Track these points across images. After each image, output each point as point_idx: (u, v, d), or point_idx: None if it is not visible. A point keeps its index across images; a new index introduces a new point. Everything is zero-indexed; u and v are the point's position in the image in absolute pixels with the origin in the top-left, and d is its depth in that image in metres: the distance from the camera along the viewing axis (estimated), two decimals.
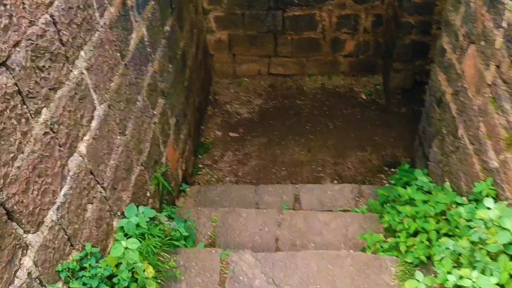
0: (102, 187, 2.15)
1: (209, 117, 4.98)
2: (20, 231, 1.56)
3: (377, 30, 4.93)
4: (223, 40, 5.16)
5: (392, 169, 4.24)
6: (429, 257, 2.49)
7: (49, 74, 1.72)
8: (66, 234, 1.84)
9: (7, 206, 1.48)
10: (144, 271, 2.09)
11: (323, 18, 4.87)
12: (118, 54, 2.42)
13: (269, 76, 5.45)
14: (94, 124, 2.09)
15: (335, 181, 4.15)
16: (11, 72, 1.50)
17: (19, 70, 1.54)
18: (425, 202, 2.61)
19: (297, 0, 4.75)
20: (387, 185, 3.58)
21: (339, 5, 4.76)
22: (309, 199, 3.56)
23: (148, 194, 2.82)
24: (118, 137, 2.38)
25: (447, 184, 2.76)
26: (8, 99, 1.48)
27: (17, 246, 1.54)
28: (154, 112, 3.01)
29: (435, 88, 3.32)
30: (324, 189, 3.65)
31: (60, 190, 1.81)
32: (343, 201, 3.52)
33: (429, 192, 3.05)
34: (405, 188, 3.44)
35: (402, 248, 2.56)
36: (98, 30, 2.17)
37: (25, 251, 1.58)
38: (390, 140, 4.58)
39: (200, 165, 4.42)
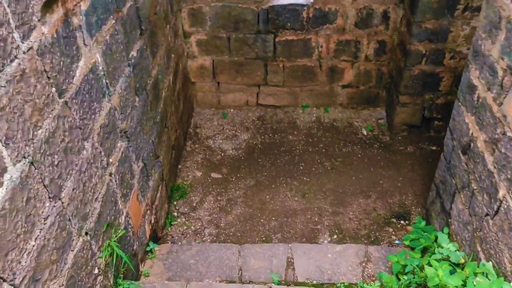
0: (12, 286, 1.49)
1: (188, 154, 4.35)
2: None
3: (381, 59, 4.41)
4: (206, 67, 4.59)
5: (402, 221, 3.64)
6: None
7: None
8: None
9: None
10: None
11: (320, 43, 4.34)
12: (53, 89, 1.80)
13: (257, 107, 4.87)
14: (0, 193, 1.45)
15: (335, 236, 3.52)
16: None
17: None
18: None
19: (290, 23, 4.22)
20: (400, 249, 2.96)
21: (338, 30, 4.24)
22: (305, 264, 2.91)
23: (96, 270, 2.16)
24: (47, 204, 1.73)
25: (489, 264, 2.14)
26: None
27: None
28: (110, 160, 2.37)
29: (459, 131, 2.75)
30: (323, 250, 3.02)
31: None
32: (346, 267, 2.89)
33: (457, 265, 2.44)
34: (423, 252, 2.83)
35: None
36: (17, 58, 1.56)
37: None
38: (397, 184, 3.99)
39: (175, 213, 3.76)
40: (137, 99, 2.87)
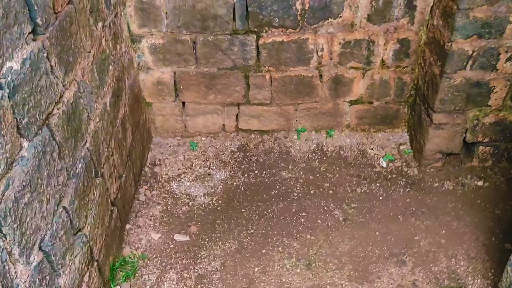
0: None
1: (141, 206, 3.14)
2: None
3: (402, 64, 3.31)
4: (165, 82, 3.41)
5: None
6: None
7: None
8: None
9: None
10: None
11: (320, 46, 3.23)
12: None
13: (238, 134, 3.71)
14: None
15: None
16: None
17: None
18: None
19: (278, 19, 3.09)
20: None
21: (344, 26, 3.13)
22: None
23: None
24: None
25: None
26: None
27: None
28: None
29: None
30: None
31: None
32: None
33: None
34: None
35: None
36: None
37: None
38: (440, 241, 2.86)
39: None
40: (25, 144, 1.67)
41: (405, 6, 3.02)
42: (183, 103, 3.55)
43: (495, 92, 2.96)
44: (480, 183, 3.26)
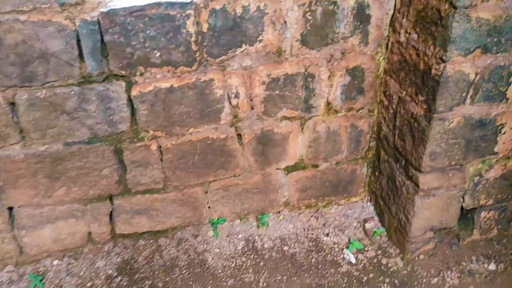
0: None
1: None
2: None
3: (355, 104, 2.25)
4: None
5: None
6: None
7: None
8: None
9: None
10: None
11: (233, 89, 2.05)
12: None
13: (116, 244, 2.31)
14: None
15: None
16: None
17: None
18: None
19: (160, 50, 1.86)
20: None
21: (267, 55, 2.00)
22: None
23: None
24: None
25: None
26: None
27: None
28: None
29: None
30: None
31: None
32: None
33: None
34: None
35: None
36: None
37: None
38: None
39: None
40: None
41: (354, 17, 1.99)
42: (10, 209, 2.08)
43: (504, 133, 2.01)
44: (492, 266, 2.24)
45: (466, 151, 2.01)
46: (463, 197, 2.18)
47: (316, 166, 2.42)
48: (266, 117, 2.18)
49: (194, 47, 1.88)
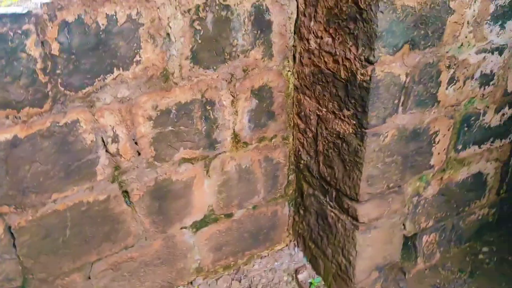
0: None
1: None
2: None
3: (267, 132, 1.86)
4: None
5: None
6: None
7: None
8: None
9: None
10: None
11: (108, 131, 1.52)
12: None
13: None
14: None
15: None
16: None
17: None
18: None
19: None
20: None
21: (149, 81, 1.51)
22: None
23: None
24: None
25: None
26: None
27: None
28: None
29: None
30: None
31: None
32: None
33: None
34: None
35: None
36: None
37: None
38: None
39: None
40: None
41: (253, 25, 1.62)
42: None
43: (438, 142, 1.76)
44: None
45: (403, 169, 1.72)
46: (404, 224, 1.88)
47: (230, 215, 1.96)
48: (159, 163, 1.67)
49: (42, 77, 1.33)
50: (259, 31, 1.64)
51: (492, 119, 1.88)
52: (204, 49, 1.55)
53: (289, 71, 1.79)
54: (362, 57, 1.44)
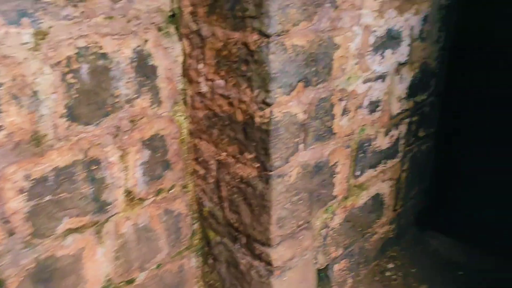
0: None
1: None
2: None
3: (163, 183, 1.70)
4: None
5: None
6: None
7: None
8: None
9: None
10: None
11: None
12: None
13: None
14: None
15: None
16: None
17: None
18: None
19: None
20: None
21: (19, 146, 1.28)
22: None
23: None
24: None
25: None
26: None
27: None
28: None
29: None
30: None
31: None
32: None
33: None
34: None
35: None
36: None
37: None
38: None
39: None
40: None
41: (137, 72, 1.47)
42: None
43: (339, 172, 1.77)
44: None
45: (311, 204, 1.69)
46: (316, 258, 1.86)
47: (131, 281, 1.75)
48: (39, 240, 1.42)
49: None
50: (143, 78, 1.50)
51: (383, 142, 1.96)
52: (82, 103, 1.36)
53: (181, 116, 1.66)
54: (259, 99, 1.38)
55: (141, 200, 1.66)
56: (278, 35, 1.30)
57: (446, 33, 2.05)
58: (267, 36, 1.28)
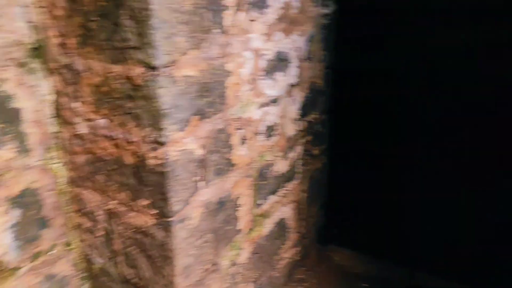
0: None
1: None
2: None
3: (41, 244, 1.44)
4: None
5: None
6: None
7: None
8: None
9: None
10: None
11: None
12: None
13: None
14: None
15: None
16: None
17: None
18: None
19: None
20: None
21: None
22: None
23: None
24: None
25: None
26: None
27: None
28: None
29: None
30: None
31: None
32: None
33: None
34: None
35: None
36: None
37: None
38: None
39: None
40: None
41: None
42: None
43: (242, 205, 1.67)
44: None
45: (217, 244, 1.56)
46: None
47: None
48: None
49: None
50: (5, 124, 1.24)
51: (282, 166, 1.91)
52: None
53: (57, 163, 1.43)
54: (150, 139, 1.22)
55: (15, 269, 1.38)
56: (166, 67, 1.16)
57: (329, 52, 2.09)
58: (154, 68, 1.13)
